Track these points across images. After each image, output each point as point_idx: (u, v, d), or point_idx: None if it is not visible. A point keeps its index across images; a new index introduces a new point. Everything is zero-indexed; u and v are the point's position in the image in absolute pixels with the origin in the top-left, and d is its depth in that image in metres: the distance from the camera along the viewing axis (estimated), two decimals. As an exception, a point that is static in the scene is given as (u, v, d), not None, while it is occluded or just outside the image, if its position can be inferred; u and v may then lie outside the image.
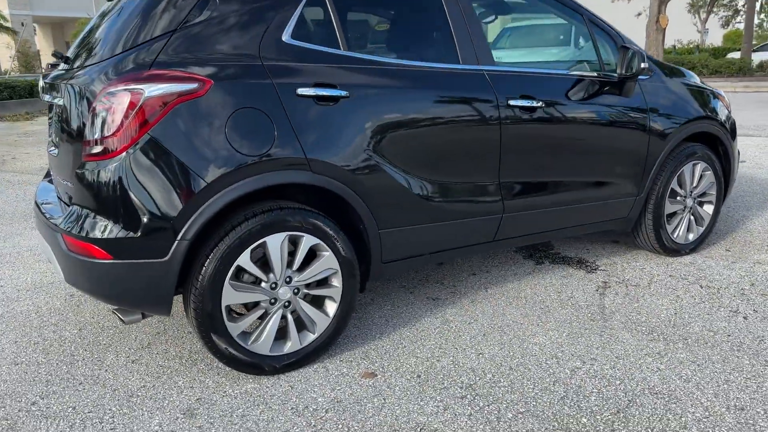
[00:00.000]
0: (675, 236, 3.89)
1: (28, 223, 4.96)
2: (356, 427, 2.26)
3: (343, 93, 2.55)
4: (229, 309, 2.46)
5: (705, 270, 3.73)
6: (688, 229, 3.95)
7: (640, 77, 3.46)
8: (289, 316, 2.59)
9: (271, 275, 2.50)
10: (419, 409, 2.36)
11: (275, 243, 2.46)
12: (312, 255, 2.59)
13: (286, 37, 2.50)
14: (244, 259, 2.41)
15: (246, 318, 2.51)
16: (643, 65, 3.29)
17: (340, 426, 2.27)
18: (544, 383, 2.52)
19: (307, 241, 2.54)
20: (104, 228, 2.27)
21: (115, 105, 2.23)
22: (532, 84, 3.12)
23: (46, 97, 2.83)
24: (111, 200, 2.26)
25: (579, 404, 2.38)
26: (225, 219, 2.40)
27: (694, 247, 4.00)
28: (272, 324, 2.55)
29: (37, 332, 3.03)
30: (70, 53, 2.80)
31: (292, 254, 2.54)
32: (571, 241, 4.29)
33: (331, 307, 2.69)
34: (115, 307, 2.47)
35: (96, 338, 2.96)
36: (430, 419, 2.30)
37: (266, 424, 2.28)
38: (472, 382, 2.53)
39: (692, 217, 3.96)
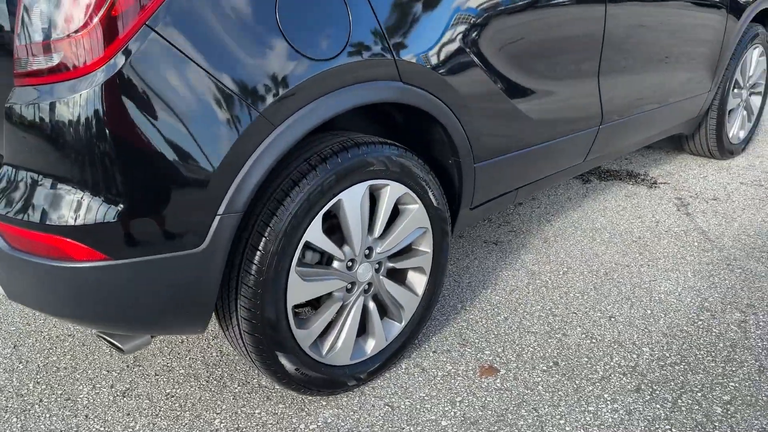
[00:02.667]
0: (731, 135, 3.35)
1: None
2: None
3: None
4: (294, 310, 1.57)
5: (770, 173, 3.25)
6: (741, 126, 3.42)
7: None
8: (371, 305, 1.74)
9: (346, 249, 1.62)
10: (594, 420, 1.64)
11: (353, 199, 1.57)
12: (393, 212, 1.73)
13: None
14: (315, 231, 1.51)
15: (318, 318, 1.63)
16: None
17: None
18: (721, 352, 1.89)
19: (393, 191, 1.66)
20: (79, 206, 1.26)
21: (73, -25, 1.17)
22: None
23: None
24: (86, 156, 1.24)
25: (790, 379, 1.77)
26: (278, 172, 1.46)
27: (744, 146, 3.50)
28: (352, 320, 1.69)
29: (-55, 360, 1.96)
30: None
31: (369, 214, 1.66)
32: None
33: (420, 282, 1.86)
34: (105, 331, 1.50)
35: (47, 358, 1.95)
36: (619, 435, 1.60)
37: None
38: (633, 364, 1.84)
39: (745, 113, 3.42)
